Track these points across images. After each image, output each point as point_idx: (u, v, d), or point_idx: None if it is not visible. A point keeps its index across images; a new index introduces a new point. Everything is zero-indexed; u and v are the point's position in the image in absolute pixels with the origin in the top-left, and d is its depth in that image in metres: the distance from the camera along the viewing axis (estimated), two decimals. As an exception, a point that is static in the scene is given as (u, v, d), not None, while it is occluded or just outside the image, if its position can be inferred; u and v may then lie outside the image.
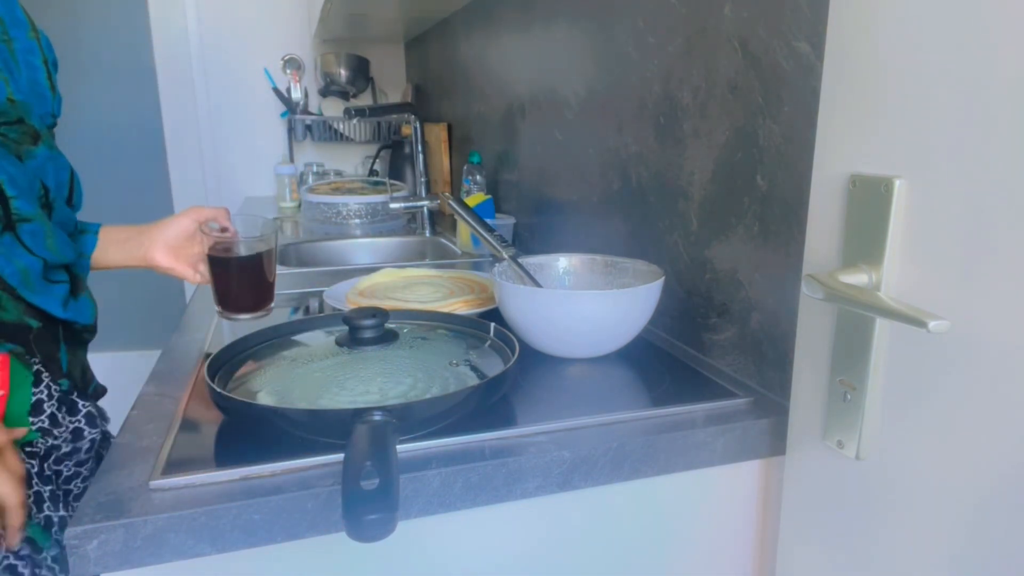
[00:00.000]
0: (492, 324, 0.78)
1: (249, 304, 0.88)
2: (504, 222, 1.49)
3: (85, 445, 0.80)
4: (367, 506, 0.46)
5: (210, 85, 2.50)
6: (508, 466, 0.59)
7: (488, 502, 0.59)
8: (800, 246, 0.65)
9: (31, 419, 0.74)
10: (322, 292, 1.07)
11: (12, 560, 0.71)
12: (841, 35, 0.51)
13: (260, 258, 0.88)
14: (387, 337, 0.71)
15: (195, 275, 0.89)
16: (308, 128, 2.52)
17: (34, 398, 0.75)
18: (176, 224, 0.89)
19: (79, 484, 0.80)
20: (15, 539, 0.68)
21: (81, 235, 0.86)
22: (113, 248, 0.87)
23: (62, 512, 0.76)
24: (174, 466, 0.57)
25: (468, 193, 1.67)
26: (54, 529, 0.75)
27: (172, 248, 0.88)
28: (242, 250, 0.87)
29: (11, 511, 0.66)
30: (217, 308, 0.90)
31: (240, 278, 0.89)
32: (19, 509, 0.67)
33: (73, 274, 0.82)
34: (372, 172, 2.48)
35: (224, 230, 0.89)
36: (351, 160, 2.73)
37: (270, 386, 0.65)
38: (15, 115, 0.75)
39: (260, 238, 0.89)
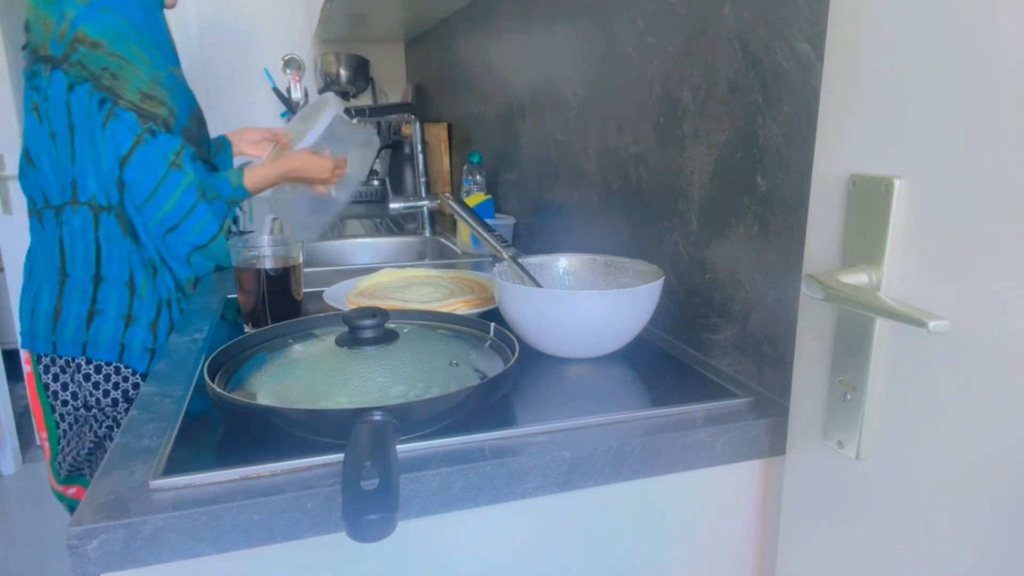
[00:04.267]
0: (492, 324, 0.78)
1: (279, 319, 0.89)
2: (504, 222, 1.49)
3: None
4: (367, 506, 0.46)
5: (210, 85, 2.50)
6: (508, 466, 0.59)
7: (488, 502, 0.59)
8: (800, 246, 0.65)
9: None
10: (322, 292, 1.07)
11: None
12: (841, 35, 0.51)
13: (288, 273, 0.94)
14: (387, 337, 0.71)
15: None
16: (308, 128, 2.51)
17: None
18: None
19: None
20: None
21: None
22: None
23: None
24: (174, 466, 0.57)
25: (468, 193, 1.67)
26: None
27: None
28: (269, 264, 0.93)
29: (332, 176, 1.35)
30: (246, 326, 0.94)
31: (269, 292, 0.93)
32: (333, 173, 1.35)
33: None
34: (372, 172, 2.47)
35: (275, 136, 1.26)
36: (351, 160, 2.73)
37: (270, 386, 0.65)
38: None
39: (287, 253, 0.95)
